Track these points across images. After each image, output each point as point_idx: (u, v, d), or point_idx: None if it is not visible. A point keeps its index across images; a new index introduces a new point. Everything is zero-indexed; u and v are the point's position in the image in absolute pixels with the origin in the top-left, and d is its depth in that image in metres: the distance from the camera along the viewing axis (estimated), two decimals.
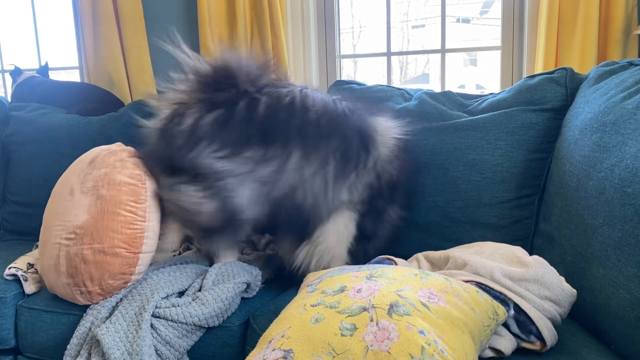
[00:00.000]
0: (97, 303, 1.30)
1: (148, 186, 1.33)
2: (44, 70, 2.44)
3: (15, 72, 2.40)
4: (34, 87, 2.31)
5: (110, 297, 1.31)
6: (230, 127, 1.26)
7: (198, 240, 1.64)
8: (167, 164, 1.29)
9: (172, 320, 1.18)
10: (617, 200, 1.00)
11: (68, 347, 1.24)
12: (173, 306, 1.20)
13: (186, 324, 1.19)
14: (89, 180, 1.33)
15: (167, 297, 1.24)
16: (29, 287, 1.45)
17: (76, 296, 1.30)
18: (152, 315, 1.19)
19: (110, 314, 1.26)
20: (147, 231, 1.30)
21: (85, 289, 1.28)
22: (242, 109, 1.28)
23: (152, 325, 1.18)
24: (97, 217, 1.27)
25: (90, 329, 1.24)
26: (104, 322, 1.21)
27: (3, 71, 2.84)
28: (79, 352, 1.22)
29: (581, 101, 1.30)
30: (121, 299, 1.30)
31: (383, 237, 1.41)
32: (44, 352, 1.37)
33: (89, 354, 1.18)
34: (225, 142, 1.25)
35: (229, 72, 1.32)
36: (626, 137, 1.04)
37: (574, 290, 1.04)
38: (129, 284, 1.31)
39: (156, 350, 1.16)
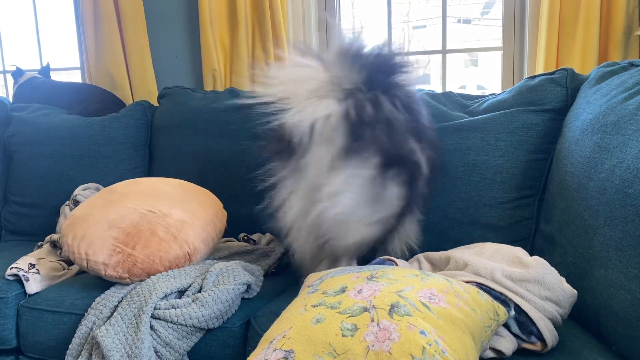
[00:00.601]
0: (109, 278, 1.33)
1: (222, 227, 1.53)
2: (45, 71, 2.44)
3: (17, 73, 2.40)
4: (36, 87, 2.31)
5: (130, 281, 1.34)
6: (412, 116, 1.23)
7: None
8: (388, 154, 1.17)
9: (171, 322, 1.18)
10: (618, 201, 1.00)
11: (70, 347, 1.24)
12: (173, 307, 1.20)
13: (186, 325, 1.19)
14: (190, 199, 1.50)
15: (165, 297, 1.25)
16: (31, 287, 1.45)
17: (110, 254, 1.32)
18: (151, 317, 1.19)
19: (112, 313, 1.26)
20: (203, 254, 1.44)
21: (129, 251, 1.32)
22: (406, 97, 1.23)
23: (151, 327, 1.18)
24: (187, 217, 1.42)
25: (91, 328, 1.24)
26: (104, 324, 1.21)
27: (5, 72, 2.85)
28: (80, 351, 1.22)
29: (582, 102, 1.30)
30: (122, 298, 1.30)
31: None
32: (45, 352, 1.37)
33: (90, 355, 1.19)
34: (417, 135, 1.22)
35: (393, 59, 1.25)
36: (627, 138, 1.04)
37: (575, 291, 1.04)
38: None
39: (156, 352, 1.16)
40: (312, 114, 1.15)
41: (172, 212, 1.41)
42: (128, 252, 1.33)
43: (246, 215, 1.75)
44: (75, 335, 1.25)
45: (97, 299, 1.31)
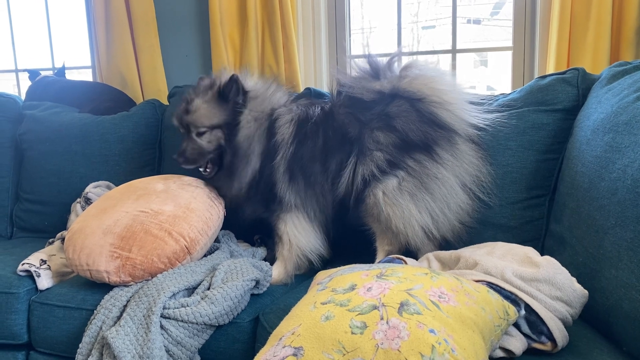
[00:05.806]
0: (114, 283, 1.34)
1: (220, 214, 1.53)
2: (61, 72, 2.46)
3: (33, 75, 2.42)
4: (47, 86, 2.33)
5: (134, 283, 1.35)
6: None
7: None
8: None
9: (182, 321, 1.19)
10: (630, 201, 1.00)
11: (80, 345, 1.25)
12: (182, 306, 1.21)
13: (196, 323, 1.19)
14: (182, 193, 1.50)
15: (173, 295, 1.25)
16: (42, 283, 1.46)
17: (108, 260, 1.33)
18: (162, 316, 1.19)
19: (121, 313, 1.27)
20: (203, 245, 1.44)
21: (126, 255, 1.33)
22: None
23: (162, 326, 1.18)
24: (180, 211, 1.42)
25: (101, 327, 1.25)
26: (113, 326, 1.22)
27: (17, 70, 2.88)
28: (90, 350, 1.23)
29: (593, 101, 1.30)
30: (130, 297, 1.30)
31: None
32: (56, 347, 1.38)
33: (101, 354, 1.19)
34: None
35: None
36: (639, 138, 1.03)
37: (586, 291, 1.03)
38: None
39: (168, 351, 1.17)
40: None
41: (164, 209, 1.41)
42: (125, 255, 1.33)
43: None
44: (85, 334, 1.26)
45: (106, 297, 1.32)
